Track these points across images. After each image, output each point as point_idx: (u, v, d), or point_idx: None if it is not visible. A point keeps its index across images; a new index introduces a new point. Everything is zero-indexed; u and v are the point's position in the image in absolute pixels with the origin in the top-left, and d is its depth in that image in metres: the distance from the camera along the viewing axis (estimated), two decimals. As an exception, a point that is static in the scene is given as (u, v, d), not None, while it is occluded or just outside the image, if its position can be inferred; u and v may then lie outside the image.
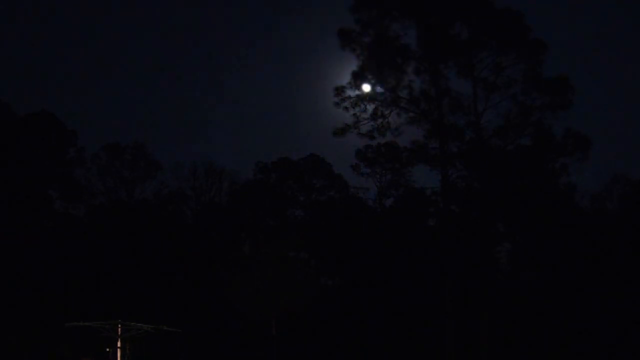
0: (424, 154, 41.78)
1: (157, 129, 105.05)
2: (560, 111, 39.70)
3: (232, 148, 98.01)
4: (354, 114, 41.32)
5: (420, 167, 45.09)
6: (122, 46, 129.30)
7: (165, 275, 52.17)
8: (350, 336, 50.49)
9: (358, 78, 40.97)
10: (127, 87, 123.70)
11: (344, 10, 40.52)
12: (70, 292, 48.51)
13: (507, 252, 50.72)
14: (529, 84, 39.93)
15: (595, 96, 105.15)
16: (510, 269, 51.76)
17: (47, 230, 54.21)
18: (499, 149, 40.78)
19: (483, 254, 41.64)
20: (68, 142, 57.45)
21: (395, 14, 40.56)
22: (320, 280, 52.26)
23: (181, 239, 54.34)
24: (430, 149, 41.42)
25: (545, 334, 45.63)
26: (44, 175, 55.51)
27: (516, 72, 40.10)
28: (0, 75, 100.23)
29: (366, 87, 40.78)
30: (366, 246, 52.88)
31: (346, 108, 41.24)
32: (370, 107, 41.29)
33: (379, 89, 41.07)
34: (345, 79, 41.20)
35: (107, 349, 33.57)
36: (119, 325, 32.38)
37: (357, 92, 41.04)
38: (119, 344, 32.60)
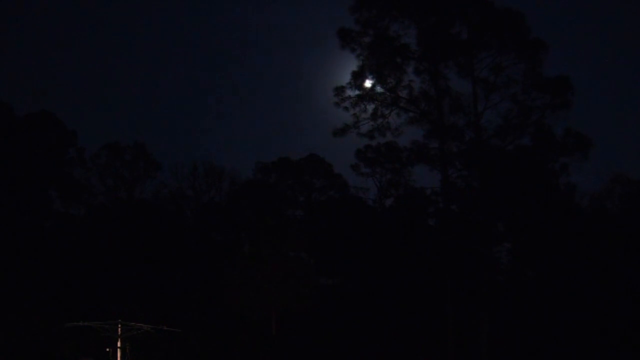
0: (424, 154, 41.87)
1: (157, 129, 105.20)
2: (560, 111, 39.84)
3: (232, 148, 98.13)
4: (354, 114, 41.45)
5: (420, 167, 45.23)
6: (122, 46, 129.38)
7: (165, 275, 52.14)
8: (350, 336, 50.44)
9: (358, 78, 41.05)
10: (127, 87, 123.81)
11: (344, 10, 40.64)
12: (70, 292, 48.48)
13: (507, 252, 50.69)
14: (529, 83, 40.01)
15: (595, 96, 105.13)
16: (510, 269, 51.72)
17: (47, 230, 54.18)
18: (498, 149, 40.82)
19: (483, 254, 41.65)
20: (68, 142, 57.43)
21: (395, 14, 40.64)
22: (320, 280, 52.25)
23: (181, 239, 54.32)
24: (430, 149, 41.52)
25: (545, 333, 45.60)
26: (44, 175, 55.49)
27: (516, 72, 40.25)
28: (0, 75, 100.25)
29: (368, 84, 40.83)
30: (366, 246, 52.85)
31: (346, 108, 41.38)
32: (370, 107, 41.44)
33: (379, 89, 41.16)
34: (345, 79, 41.32)
35: (107, 349, 33.56)
36: (119, 325, 32.40)
37: (357, 92, 41.15)
38: (119, 344, 32.62)
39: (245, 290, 43.39)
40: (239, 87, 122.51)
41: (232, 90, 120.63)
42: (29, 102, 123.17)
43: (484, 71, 40.45)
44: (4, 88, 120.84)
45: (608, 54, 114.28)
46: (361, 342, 49.80)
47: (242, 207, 58.42)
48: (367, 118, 41.47)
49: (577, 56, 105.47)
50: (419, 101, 40.80)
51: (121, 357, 32.60)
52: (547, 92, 39.77)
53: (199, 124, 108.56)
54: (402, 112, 41.17)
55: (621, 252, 46.08)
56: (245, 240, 56.48)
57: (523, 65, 40.00)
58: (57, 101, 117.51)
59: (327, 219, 57.60)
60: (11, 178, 52.80)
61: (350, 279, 54.71)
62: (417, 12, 40.36)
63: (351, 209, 57.98)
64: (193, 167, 60.21)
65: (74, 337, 41.83)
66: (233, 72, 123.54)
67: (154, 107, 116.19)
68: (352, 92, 41.15)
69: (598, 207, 53.00)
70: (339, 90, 41.23)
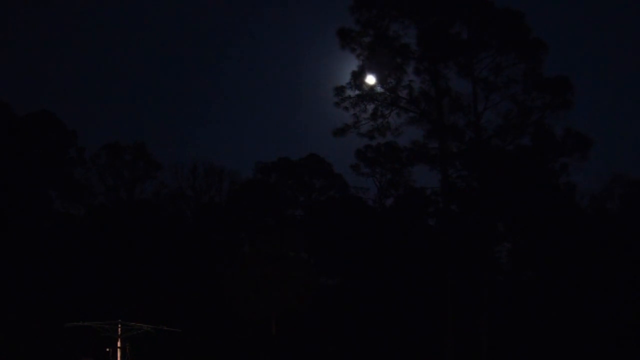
0: (424, 154, 41.83)
1: (157, 129, 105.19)
2: (560, 111, 39.79)
3: (232, 148, 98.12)
4: (354, 114, 41.42)
5: (420, 167, 45.15)
6: (122, 46, 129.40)
7: (165, 275, 52.13)
8: (350, 336, 50.46)
9: (358, 78, 41.04)
10: (127, 87, 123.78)
11: (344, 10, 40.62)
12: (70, 292, 48.47)
13: (507, 252, 50.67)
14: (529, 83, 39.99)
15: (595, 96, 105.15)
16: (510, 269, 51.69)
17: (47, 230, 54.17)
18: (498, 149, 40.80)
19: (483, 254, 41.64)
20: (68, 142, 57.42)
21: (395, 14, 40.62)
22: (320, 279, 52.27)
23: (181, 239, 54.32)
24: (430, 149, 41.50)
25: (545, 334, 45.60)
26: (44, 175, 55.48)
27: (516, 72, 40.21)
28: (0, 75, 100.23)
29: (370, 80, 40.76)
30: (366, 246, 52.85)
31: (346, 108, 41.34)
32: (370, 107, 41.40)
33: (379, 89, 41.15)
34: (345, 79, 41.29)
35: (107, 349, 33.60)
36: (119, 325, 32.43)
37: (357, 92, 41.13)
38: (119, 344, 32.65)
39: (245, 290, 43.40)
40: (239, 87, 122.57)
41: (232, 90, 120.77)
42: (29, 102, 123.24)
43: (484, 71, 40.47)
44: (4, 88, 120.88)
45: (608, 54, 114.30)
46: (361, 342, 49.82)
47: (242, 207, 58.40)
48: (367, 118, 41.46)
49: (577, 56, 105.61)
50: (419, 101, 40.79)
51: (121, 357, 32.64)
52: (547, 92, 39.75)
53: (199, 124, 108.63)
54: (402, 112, 41.16)
55: (621, 252, 46.06)
56: (245, 240, 56.55)
57: (523, 65, 40.00)
58: (57, 101, 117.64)
59: (327, 219, 57.55)
60: (11, 178, 52.78)
61: (350, 279, 54.70)
62: (417, 12, 40.34)
63: (351, 209, 57.96)
64: (193, 167, 60.34)
65: (74, 337, 41.84)
66: (233, 72, 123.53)
67: (154, 107, 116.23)
68: (352, 92, 41.15)
69: (598, 207, 52.98)
70: (339, 90, 41.20)
